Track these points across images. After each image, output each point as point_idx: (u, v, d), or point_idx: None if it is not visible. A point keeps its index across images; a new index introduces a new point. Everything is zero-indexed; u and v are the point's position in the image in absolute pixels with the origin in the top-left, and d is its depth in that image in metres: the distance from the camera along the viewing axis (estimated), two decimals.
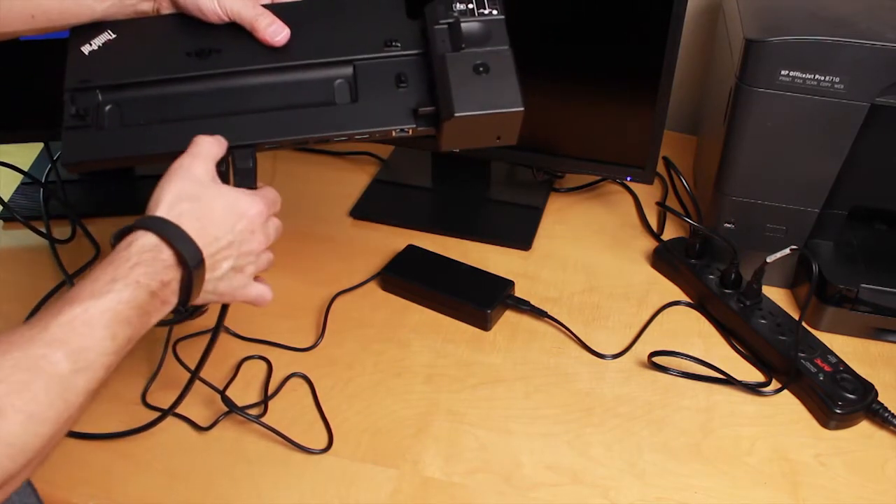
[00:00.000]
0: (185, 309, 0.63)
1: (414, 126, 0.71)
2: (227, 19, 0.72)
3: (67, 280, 0.96)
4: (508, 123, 0.70)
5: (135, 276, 0.58)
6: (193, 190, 0.63)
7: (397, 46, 0.73)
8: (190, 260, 0.60)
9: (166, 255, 0.60)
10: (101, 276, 0.57)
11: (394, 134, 0.72)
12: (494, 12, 0.72)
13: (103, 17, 0.73)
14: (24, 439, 0.50)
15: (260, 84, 0.72)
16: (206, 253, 0.62)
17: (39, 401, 0.51)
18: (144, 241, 0.60)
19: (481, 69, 0.69)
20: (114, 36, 0.72)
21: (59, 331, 0.54)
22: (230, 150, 0.69)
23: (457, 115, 0.68)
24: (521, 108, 0.69)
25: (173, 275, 0.61)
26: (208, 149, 0.66)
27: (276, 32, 0.72)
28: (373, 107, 0.71)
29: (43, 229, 1.02)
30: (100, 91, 0.70)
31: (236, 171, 0.69)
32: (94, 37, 0.72)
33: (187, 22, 0.73)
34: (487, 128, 0.71)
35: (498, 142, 0.73)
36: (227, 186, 0.66)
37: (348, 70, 0.72)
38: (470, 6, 0.72)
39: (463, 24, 0.71)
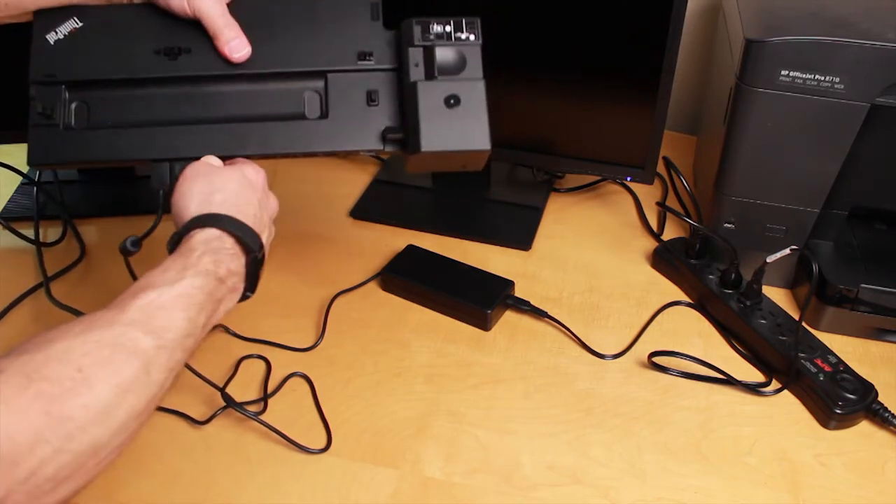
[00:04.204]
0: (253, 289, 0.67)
1: (382, 149, 0.72)
2: (192, 17, 0.71)
3: (45, 282, 0.95)
4: (475, 157, 0.71)
5: (203, 264, 0.61)
6: (214, 182, 0.66)
7: (370, 60, 0.72)
8: (252, 244, 0.65)
9: (229, 243, 0.64)
10: (171, 266, 0.61)
11: (361, 154, 0.73)
12: (472, 37, 0.71)
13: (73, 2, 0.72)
14: (111, 408, 0.52)
15: (230, 91, 0.71)
16: (259, 234, 0.66)
17: (124, 373, 0.53)
18: (206, 234, 0.63)
19: (452, 101, 0.69)
20: (80, 24, 0.71)
21: (138, 313, 0.56)
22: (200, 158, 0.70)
23: (423, 150, 0.68)
24: (488, 148, 0.69)
25: (238, 262, 0.65)
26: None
27: (236, 48, 0.71)
28: (342, 125, 0.71)
29: (41, 230, 1.02)
30: (66, 87, 0.69)
31: None
32: (60, 23, 0.70)
33: (156, 14, 0.71)
34: (454, 159, 0.71)
35: (464, 168, 0.73)
36: (227, 167, 0.69)
37: (320, 82, 0.72)
38: (447, 29, 0.71)
39: (438, 51, 0.70)
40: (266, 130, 0.71)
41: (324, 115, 0.72)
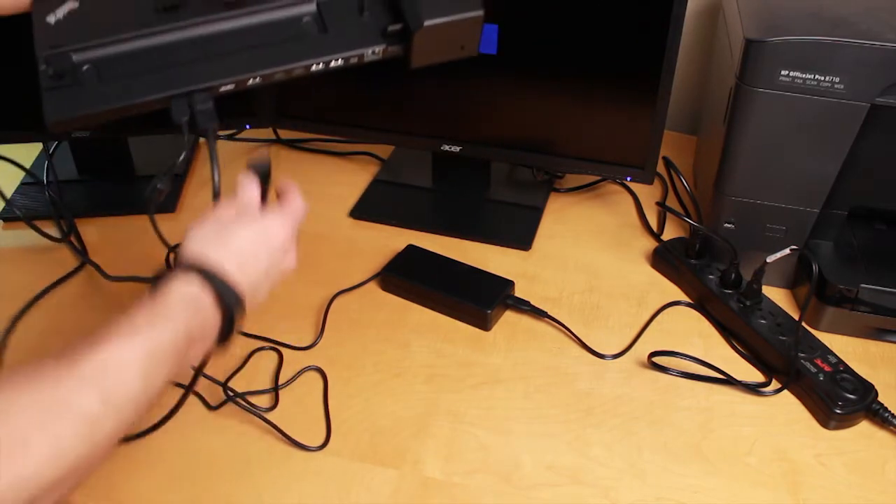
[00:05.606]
0: (223, 345, 0.63)
1: (384, 46, 0.72)
2: None
3: (86, 262, 0.96)
4: (470, 31, 0.72)
5: (174, 317, 0.57)
6: (222, 229, 0.64)
7: None
8: (232, 304, 0.61)
9: (207, 299, 0.60)
10: (138, 315, 0.57)
11: (366, 58, 0.72)
12: None
13: None
14: (44, 477, 0.48)
15: (230, 29, 0.72)
16: (247, 290, 0.62)
17: (64, 439, 0.50)
18: (186, 287, 0.59)
19: None
20: (77, 4, 0.73)
21: (90, 369, 0.52)
22: (216, 88, 0.70)
23: (426, 24, 0.69)
24: (481, 14, 0.70)
25: (213, 318, 0.61)
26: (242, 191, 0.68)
27: None
28: (342, 34, 0.72)
29: (45, 230, 1.02)
30: (73, 53, 0.70)
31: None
32: (58, 6, 0.72)
33: None
34: (453, 37, 0.72)
35: (462, 52, 0.73)
36: (249, 218, 0.66)
37: (312, 6, 0.73)
38: None
39: None
40: (275, 51, 0.72)
41: (322, 30, 0.73)
